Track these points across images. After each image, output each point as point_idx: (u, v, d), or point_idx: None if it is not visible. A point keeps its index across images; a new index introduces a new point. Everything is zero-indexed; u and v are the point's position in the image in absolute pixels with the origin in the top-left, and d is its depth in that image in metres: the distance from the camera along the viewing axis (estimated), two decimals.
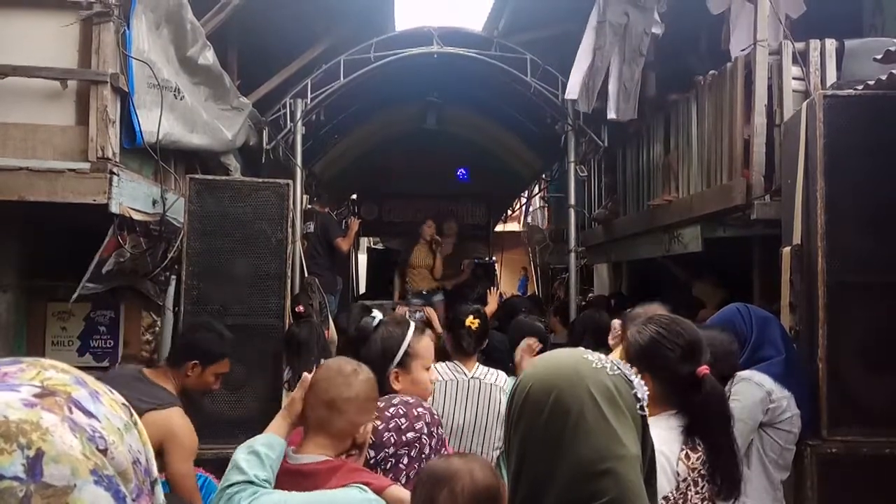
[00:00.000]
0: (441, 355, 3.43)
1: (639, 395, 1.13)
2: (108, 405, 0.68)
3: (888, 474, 3.06)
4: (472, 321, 3.06)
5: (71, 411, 0.63)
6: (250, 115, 5.28)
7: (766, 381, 2.92)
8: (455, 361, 3.06)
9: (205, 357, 2.87)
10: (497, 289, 6.86)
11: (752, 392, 2.91)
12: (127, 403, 0.72)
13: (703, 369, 1.61)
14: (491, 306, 5.61)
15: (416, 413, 1.93)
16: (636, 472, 1.05)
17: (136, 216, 3.63)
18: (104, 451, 0.63)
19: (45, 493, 0.57)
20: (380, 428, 1.87)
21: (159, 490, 0.71)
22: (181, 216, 3.98)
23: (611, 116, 5.16)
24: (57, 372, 0.67)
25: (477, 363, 3.08)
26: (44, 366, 0.67)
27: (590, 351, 1.20)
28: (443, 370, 2.98)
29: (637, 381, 1.16)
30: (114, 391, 0.71)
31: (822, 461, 3.08)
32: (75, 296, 3.54)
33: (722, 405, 1.81)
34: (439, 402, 2.90)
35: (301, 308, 4.03)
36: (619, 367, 1.15)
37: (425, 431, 1.90)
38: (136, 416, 0.72)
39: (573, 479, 1.03)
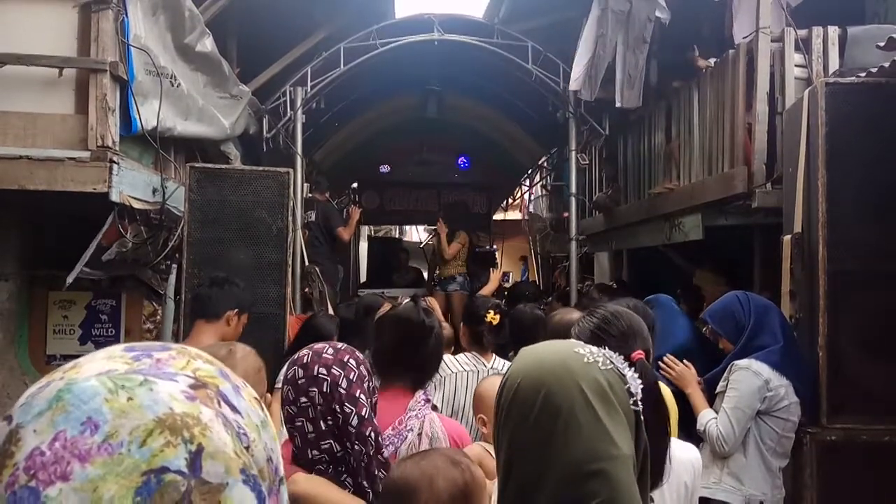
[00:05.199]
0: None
1: (632, 391, 1.08)
2: (248, 400, 0.67)
3: (888, 462, 3.07)
4: (492, 317, 3.09)
5: (220, 405, 0.62)
6: (250, 104, 5.26)
7: (764, 370, 2.92)
8: (473, 353, 3.09)
9: (241, 306, 3.00)
10: (499, 268, 6.86)
11: (750, 380, 2.91)
12: (258, 397, 0.70)
13: (636, 354, 1.59)
14: (492, 285, 5.66)
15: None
16: (629, 473, 1.02)
17: (137, 205, 3.62)
18: (247, 448, 0.62)
19: (203, 489, 0.57)
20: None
21: (284, 490, 0.70)
22: (181, 205, 3.97)
23: (617, 104, 5.13)
24: (203, 362, 0.66)
25: (494, 355, 3.11)
26: (191, 355, 0.67)
27: (581, 343, 1.15)
28: (462, 361, 3.01)
29: (630, 374, 1.11)
30: (247, 384, 0.70)
31: (821, 449, 3.09)
32: (70, 279, 3.53)
33: (651, 391, 1.71)
34: (460, 392, 2.90)
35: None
36: (612, 361, 1.10)
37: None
38: (265, 410, 0.70)
39: (564, 480, 1.00)
